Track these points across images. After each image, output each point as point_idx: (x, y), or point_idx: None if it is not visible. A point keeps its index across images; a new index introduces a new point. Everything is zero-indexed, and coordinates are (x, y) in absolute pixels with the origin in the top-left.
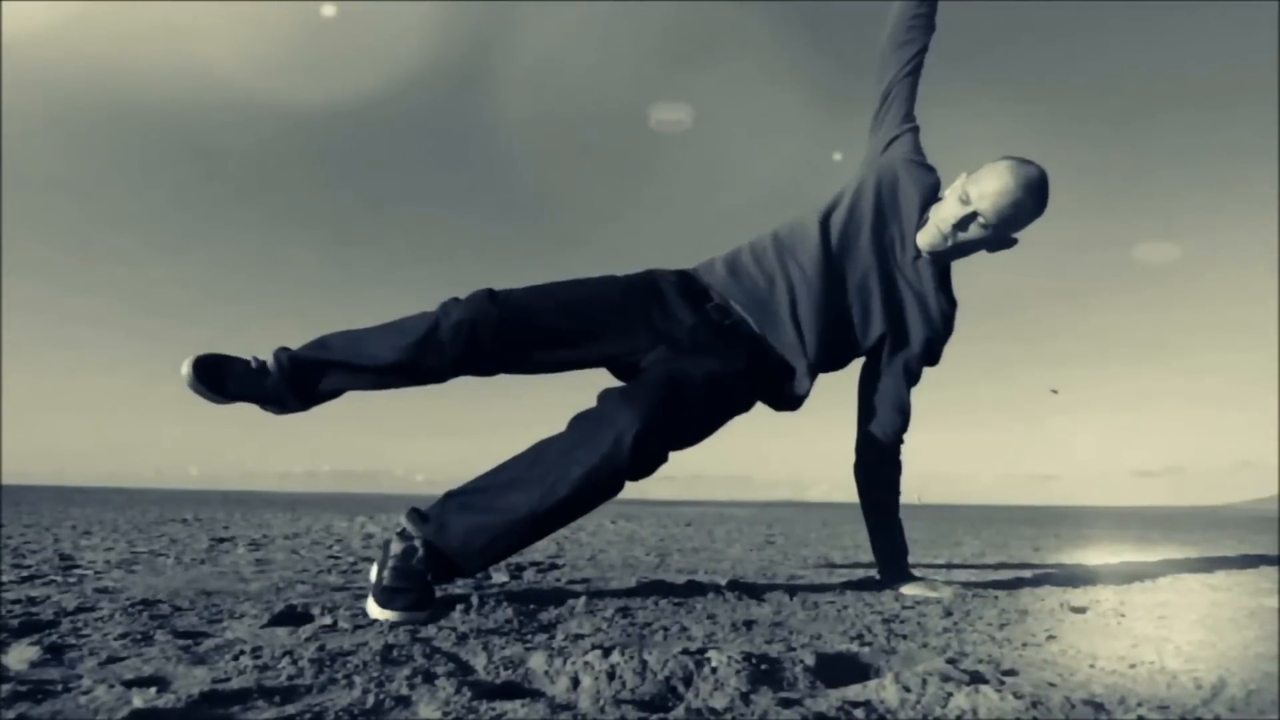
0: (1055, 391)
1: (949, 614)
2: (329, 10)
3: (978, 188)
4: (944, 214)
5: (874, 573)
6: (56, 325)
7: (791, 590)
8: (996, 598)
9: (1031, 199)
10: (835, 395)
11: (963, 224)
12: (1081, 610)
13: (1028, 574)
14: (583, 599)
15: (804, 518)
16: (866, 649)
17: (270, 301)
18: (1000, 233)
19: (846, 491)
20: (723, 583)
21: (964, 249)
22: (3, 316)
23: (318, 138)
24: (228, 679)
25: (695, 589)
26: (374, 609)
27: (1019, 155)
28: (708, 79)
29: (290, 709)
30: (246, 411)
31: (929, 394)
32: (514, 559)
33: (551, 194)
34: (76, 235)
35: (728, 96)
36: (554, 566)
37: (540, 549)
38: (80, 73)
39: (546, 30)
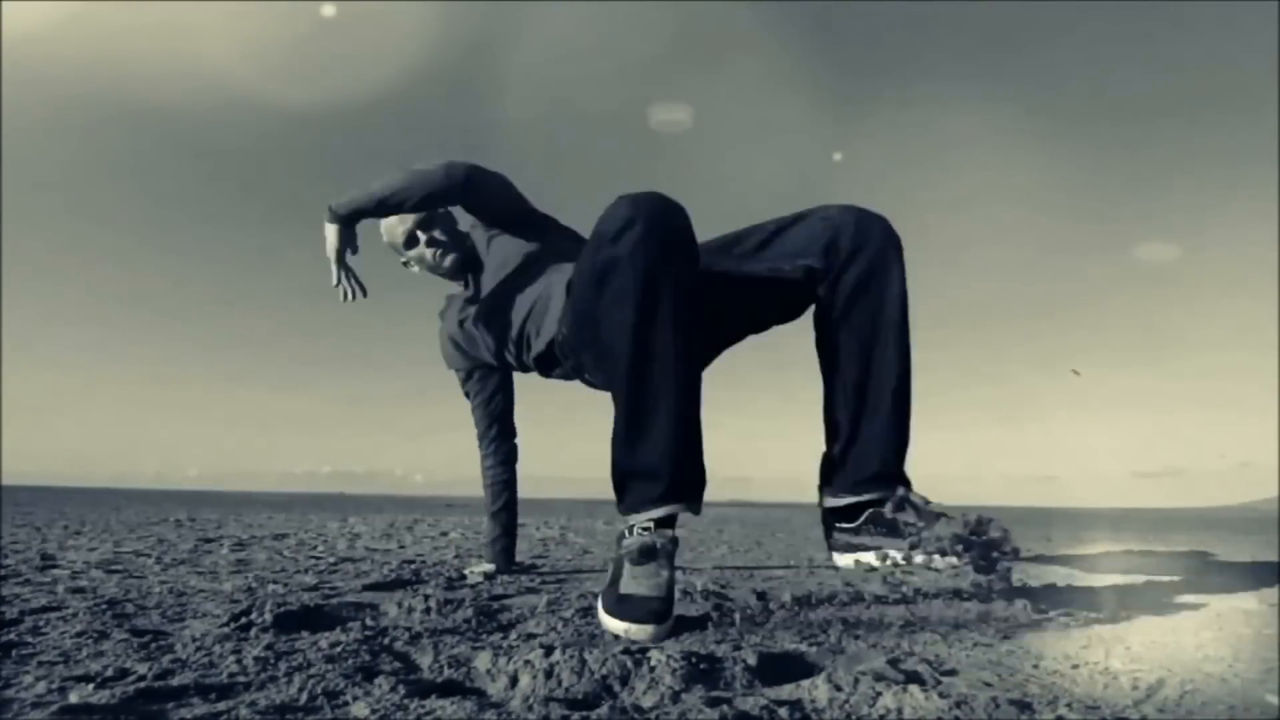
0: (1077, 373)
1: (907, 615)
2: (329, 10)
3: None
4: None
5: (846, 576)
6: (55, 325)
7: (762, 591)
8: (964, 598)
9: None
10: None
11: (410, 241)
12: (1044, 611)
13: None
14: (545, 599)
15: (801, 519)
16: (814, 649)
17: (270, 301)
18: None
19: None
20: (697, 584)
21: (440, 247)
22: (2, 316)
23: (318, 138)
24: (169, 676)
25: None
26: None
27: None
28: (708, 79)
29: (221, 705)
30: (247, 412)
31: (929, 396)
32: None
33: (551, 194)
34: (76, 235)
35: (728, 97)
36: (534, 566)
37: (525, 550)
38: (80, 72)
39: (546, 30)
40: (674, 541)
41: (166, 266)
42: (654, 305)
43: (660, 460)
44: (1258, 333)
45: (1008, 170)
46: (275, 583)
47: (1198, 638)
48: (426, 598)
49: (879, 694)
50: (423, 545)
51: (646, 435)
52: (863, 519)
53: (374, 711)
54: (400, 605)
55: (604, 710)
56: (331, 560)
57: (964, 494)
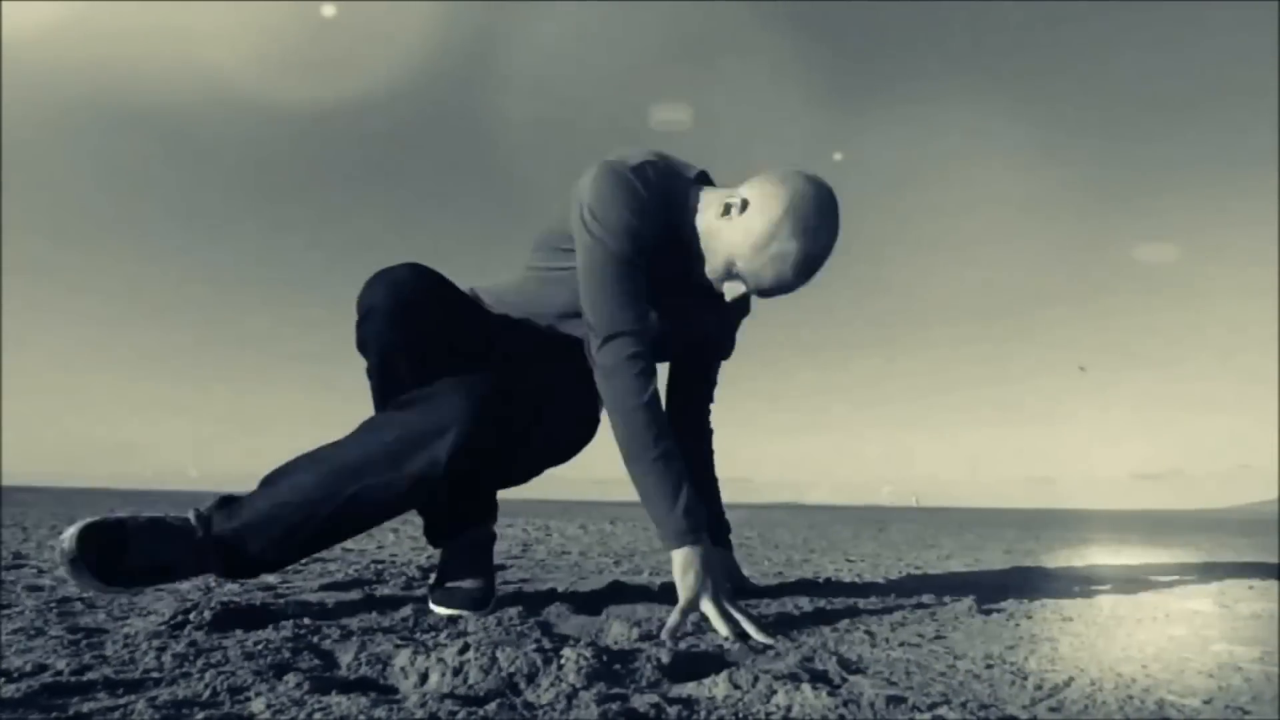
0: (1083, 369)
1: (853, 614)
2: (329, 10)
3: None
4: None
5: (813, 575)
6: (56, 325)
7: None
8: (913, 597)
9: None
10: (836, 397)
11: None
12: (988, 612)
13: (973, 575)
14: (493, 599)
15: (794, 520)
16: (736, 646)
17: (270, 302)
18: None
19: (846, 494)
20: (657, 585)
21: None
22: (3, 316)
23: (318, 138)
24: (84, 672)
25: (621, 590)
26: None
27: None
28: (708, 79)
29: (124, 700)
30: (248, 413)
31: (927, 397)
32: None
33: (551, 194)
34: (76, 235)
35: (728, 96)
36: (502, 567)
37: (502, 550)
38: (80, 73)
39: (546, 30)
40: (489, 539)
41: (166, 266)
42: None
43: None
44: (1258, 334)
45: (1007, 170)
46: (234, 582)
47: (1130, 638)
48: (374, 597)
49: (773, 692)
50: (401, 545)
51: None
52: None
53: (269, 706)
54: (346, 604)
55: (493, 707)
56: (302, 560)
57: (963, 495)
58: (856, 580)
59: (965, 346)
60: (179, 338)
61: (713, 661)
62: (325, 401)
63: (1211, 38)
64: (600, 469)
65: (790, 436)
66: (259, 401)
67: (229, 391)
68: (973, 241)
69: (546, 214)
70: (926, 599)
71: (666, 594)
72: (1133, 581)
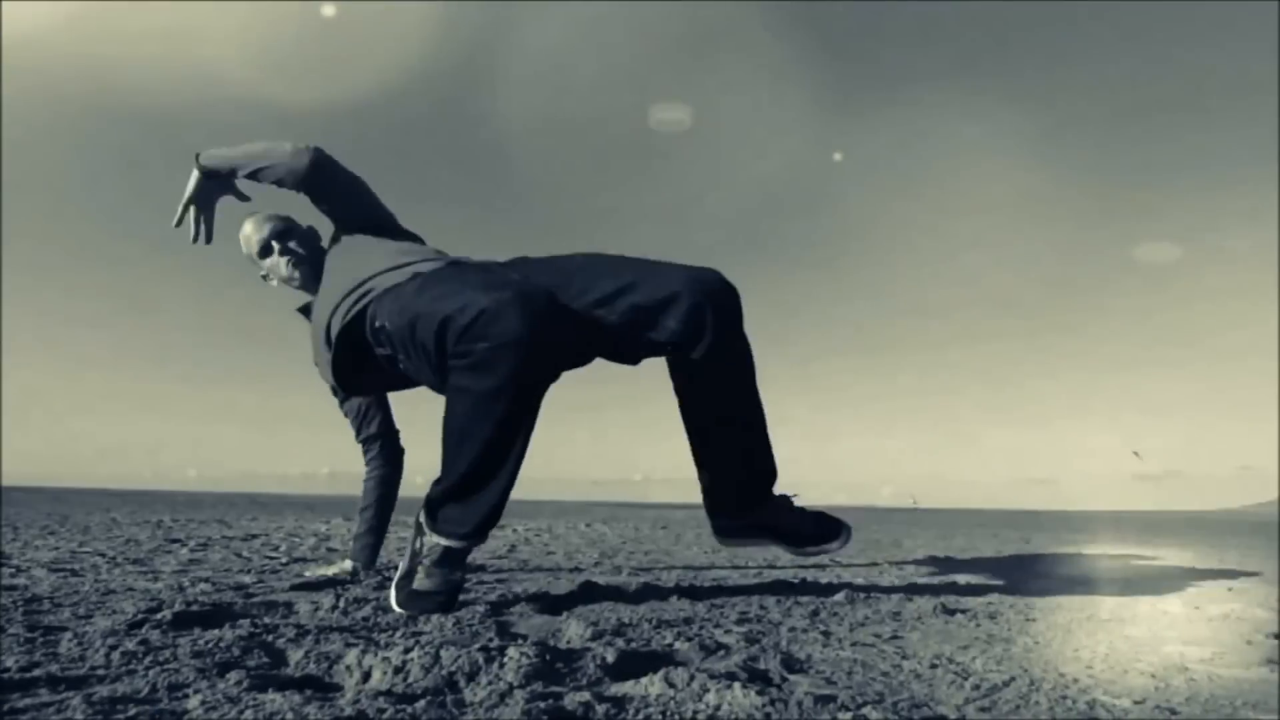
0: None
1: (816, 614)
2: (329, 10)
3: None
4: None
5: (791, 576)
6: (55, 326)
7: (693, 591)
8: (883, 597)
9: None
10: (836, 397)
11: (265, 250)
12: (952, 613)
13: (953, 575)
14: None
15: None
16: (686, 644)
17: (271, 303)
18: (284, 224)
19: (845, 494)
20: (632, 586)
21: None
22: (2, 317)
23: (318, 138)
24: (32, 669)
25: (592, 590)
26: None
27: None
28: (708, 79)
29: (63, 696)
30: (247, 413)
31: (928, 397)
32: None
33: (552, 194)
34: (76, 236)
35: (728, 96)
36: (482, 568)
37: (488, 550)
38: (80, 73)
39: (546, 31)
40: (468, 549)
41: (166, 267)
42: (519, 409)
43: (476, 518)
44: (1258, 334)
45: (1008, 171)
46: (207, 581)
47: (1087, 639)
48: (338, 596)
49: (706, 691)
50: (387, 547)
51: (475, 500)
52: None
53: (203, 704)
54: (312, 603)
55: (423, 704)
56: (283, 561)
57: (963, 496)
58: (832, 580)
59: (966, 346)
60: (179, 337)
61: (659, 660)
62: (325, 401)
63: (1211, 38)
64: (598, 470)
65: (790, 437)
66: (259, 401)
67: (229, 391)
68: (973, 241)
69: (547, 213)
70: (895, 599)
71: (639, 595)
72: (1112, 582)
